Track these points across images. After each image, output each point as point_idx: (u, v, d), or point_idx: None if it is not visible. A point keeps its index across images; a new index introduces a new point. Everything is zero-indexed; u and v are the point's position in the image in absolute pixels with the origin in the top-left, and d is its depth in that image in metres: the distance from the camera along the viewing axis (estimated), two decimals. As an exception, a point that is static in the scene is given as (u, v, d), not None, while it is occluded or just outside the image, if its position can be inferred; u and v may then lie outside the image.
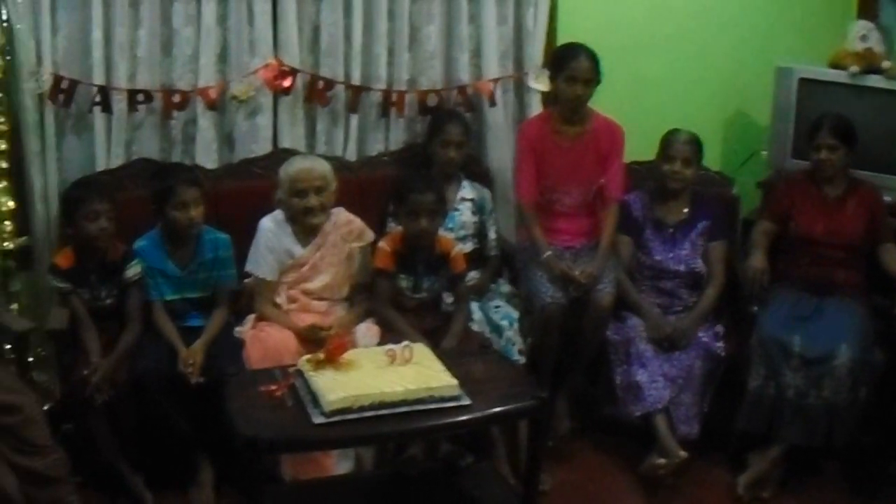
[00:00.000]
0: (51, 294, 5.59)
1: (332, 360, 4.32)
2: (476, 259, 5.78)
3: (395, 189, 5.39)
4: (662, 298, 5.67)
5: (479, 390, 4.24)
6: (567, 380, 5.65)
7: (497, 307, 5.59)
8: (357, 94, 6.05)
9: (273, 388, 4.28)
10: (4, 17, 5.52)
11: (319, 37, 6.03)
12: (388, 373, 4.24)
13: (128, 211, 5.31)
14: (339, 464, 4.97)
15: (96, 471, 5.05)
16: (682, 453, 5.13)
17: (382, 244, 5.32)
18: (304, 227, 5.27)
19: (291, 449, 4.53)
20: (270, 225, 5.29)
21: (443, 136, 5.79)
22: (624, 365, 5.42)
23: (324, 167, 5.31)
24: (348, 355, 4.38)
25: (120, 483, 5.07)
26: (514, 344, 5.40)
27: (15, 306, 5.62)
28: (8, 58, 5.57)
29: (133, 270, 5.20)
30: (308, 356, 4.44)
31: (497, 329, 5.45)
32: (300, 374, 4.34)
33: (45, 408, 4.88)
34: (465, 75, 6.26)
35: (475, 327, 5.41)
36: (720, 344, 5.47)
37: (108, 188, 5.33)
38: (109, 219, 5.14)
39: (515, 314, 5.53)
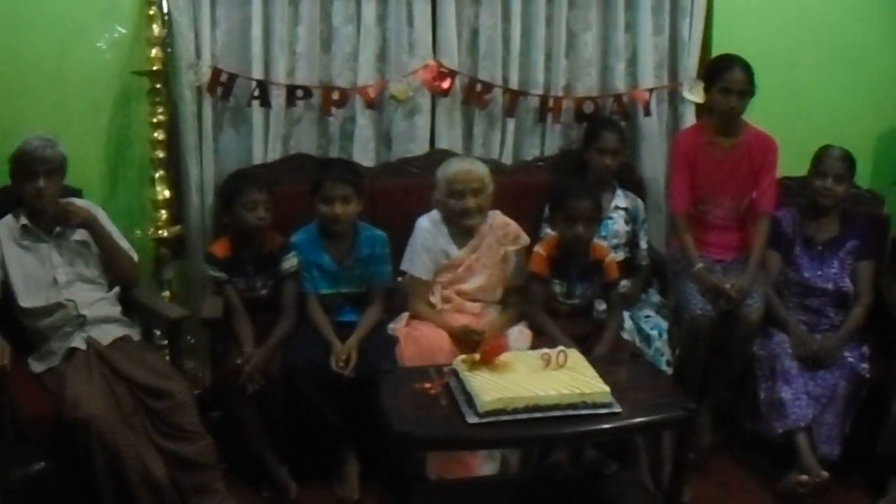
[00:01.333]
0: (202, 283, 5.76)
1: (487, 362, 4.36)
2: (626, 268, 5.77)
3: (553, 194, 5.40)
4: (809, 316, 5.60)
5: (629, 398, 4.24)
6: (712, 393, 5.60)
7: (647, 317, 5.60)
8: (514, 98, 6.10)
9: (427, 386, 4.34)
10: (165, 10, 5.66)
11: (478, 40, 6.10)
12: (542, 377, 4.26)
13: (284, 205, 5.39)
14: (484, 465, 5.00)
15: (242, 459, 5.16)
16: (824, 473, 5.07)
17: (538, 249, 5.33)
18: (461, 228, 5.31)
19: (444, 447, 4.57)
20: (427, 225, 5.35)
21: (599, 144, 5.80)
22: (769, 381, 5.37)
23: (482, 169, 5.34)
24: (503, 357, 4.41)
25: (265, 472, 5.17)
26: (662, 354, 5.41)
27: (167, 293, 5.77)
28: (168, 50, 5.71)
29: (289, 263, 5.28)
30: (464, 356, 4.49)
31: (646, 339, 5.46)
32: (455, 373, 4.39)
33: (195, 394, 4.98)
34: (620, 84, 6.29)
35: (625, 336, 5.40)
36: (865, 365, 5.38)
37: (267, 180, 5.42)
38: (267, 209, 5.23)
39: (665, 325, 5.54)
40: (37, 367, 4.94)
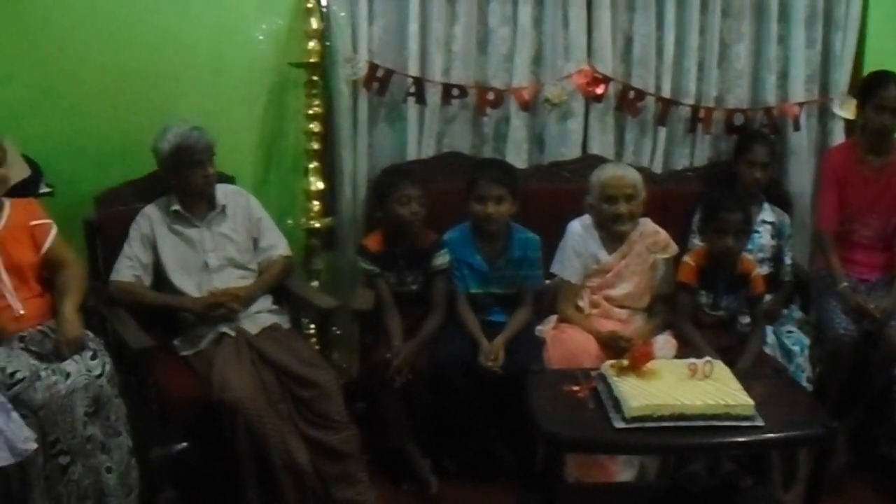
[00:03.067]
0: (350, 275, 5.95)
1: (635, 368, 4.45)
2: (770, 283, 5.76)
3: (705, 205, 5.44)
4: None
5: (770, 413, 4.26)
6: (850, 413, 5.60)
7: (790, 332, 5.61)
8: (666, 107, 6.20)
9: (576, 388, 4.44)
10: (324, 4, 5.83)
11: (632, 47, 6.19)
12: (688, 386, 4.34)
13: (437, 202, 5.51)
14: (622, 471, 5.05)
15: (383, 451, 5.28)
16: None
17: (687, 259, 5.39)
18: (612, 233, 5.38)
19: (590, 449, 4.65)
20: (579, 229, 5.42)
21: (750, 156, 5.85)
22: (908, 406, 5.32)
23: (635, 176, 5.39)
24: (651, 365, 4.49)
25: (406, 465, 5.30)
26: (803, 371, 5.42)
27: (315, 283, 5.95)
28: (326, 43, 5.89)
29: (441, 259, 5.41)
30: (612, 361, 4.57)
31: (788, 354, 5.48)
32: (603, 378, 4.48)
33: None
34: (770, 96, 6.33)
35: (767, 350, 5.42)
36: None
37: (421, 176, 5.55)
38: (421, 205, 5.36)
39: (806, 341, 5.54)
40: (183, 349, 5.12)
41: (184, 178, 5.23)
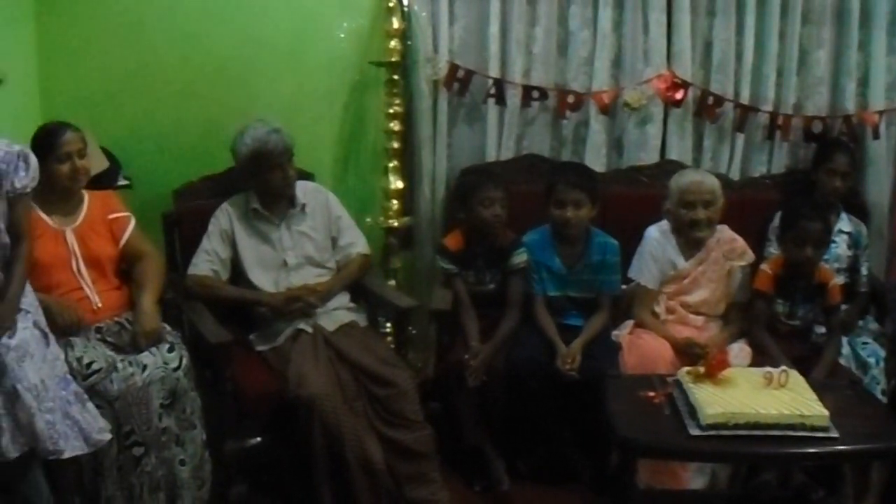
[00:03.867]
0: (427, 275, 6.04)
1: (711, 376, 4.49)
2: (846, 294, 5.75)
3: (784, 214, 5.45)
4: None
5: (844, 424, 4.28)
6: None
7: (865, 344, 5.59)
8: (745, 113, 6.19)
9: (651, 394, 4.51)
10: (405, 3, 5.90)
11: (711, 52, 6.19)
12: (763, 394, 4.37)
13: (515, 204, 5.53)
14: (694, 478, 5.06)
15: (456, 451, 5.32)
16: None
17: (764, 267, 5.40)
18: (689, 239, 5.40)
19: (666, 456, 4.67)
20: (657, 234, 5.45)
21: (830, 165, 5.84)
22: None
23: (713, 182, 5.40)
24: (727, 373, 4.53)
25: (478, 465, 5.35)
26: (878, 383, 5.40)
27: (392, 282, 6.02)
28: (408, 42, 5.96)
29: (519, 258, 5.45)
30: (688, 368, 4.62)
31: (863, 366, 5.46)
32: (679, 384, 4.54)
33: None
34: (850, 104, 6.30)
35: (842, 361, 5.41)
36: None
37: (503, 178, 5.59)
38: (503, 206, 5.40)
39: (882, 353, 5.51)
40: (259, 344, 5.21)
41: (263, 181, 5.33)
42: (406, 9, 5.94)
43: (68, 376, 4.37)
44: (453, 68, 5.99)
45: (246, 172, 5.36)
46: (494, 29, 5.99)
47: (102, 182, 5.45)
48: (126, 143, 5.92)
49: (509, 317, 5.44)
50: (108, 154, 5.75)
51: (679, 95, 6.11)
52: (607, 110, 6.13)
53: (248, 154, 5.30)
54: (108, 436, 4.38)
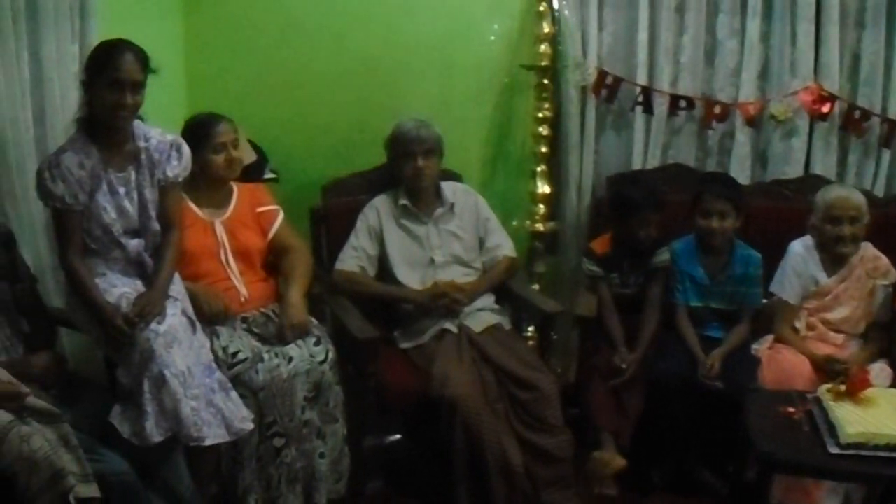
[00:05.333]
0: (572, 280, 5.98)
1: (852, 394, 4.40)
2: None
3: None
4: None
5: None
6: None
7: None
8: (892, 128, 6.00)
9: (791, 410, 4.43)
10: (556, 8, 5.84)
11: (859, 65, 6.02)
12: None
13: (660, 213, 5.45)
14: (827, 497, 4.91)
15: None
16: None
17: None
18: (833, 255, 5.26)
19: (804, 472, 4.55)
20: (800, 249, 5.31)
21: None
22: None
23: (859, 198, 5.26)
24: (868, 392, 4.43)
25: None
26: None
27: (536, 287, 5.97)
28: (558, 47, 5.90)
29: (662, 257, 5.38)
30: (829, 386, 4.53)
31: None
32: (818, 401, 4.45)
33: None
34: None
35: None
36: None
37: (662, 197, 5.45)
38: (657, 227, 5.33)
39: None
40: (403, 342, 5.19)
41: (398, 168, 5.36)
42: (556, 13, 5.88)
43: (213, 364, 4.41)
44: (602, 75, 5.92)
45: (388, 159, 5.44)
46: (643, 37, 5.91)
47: (250, 175, 5.49)
48: (273, 137, 5.96)
49: (649, 320, 5.37)
50: (255, 147, 5.79)
51: (825, 109, 5.96)
52: (753, 122, 6.00)
53: (389, 139, 5.38)
54: (251, 425, 4.41)
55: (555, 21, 5.89)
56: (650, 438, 5.20)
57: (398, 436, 5.09)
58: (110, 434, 4.12)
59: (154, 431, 4.11)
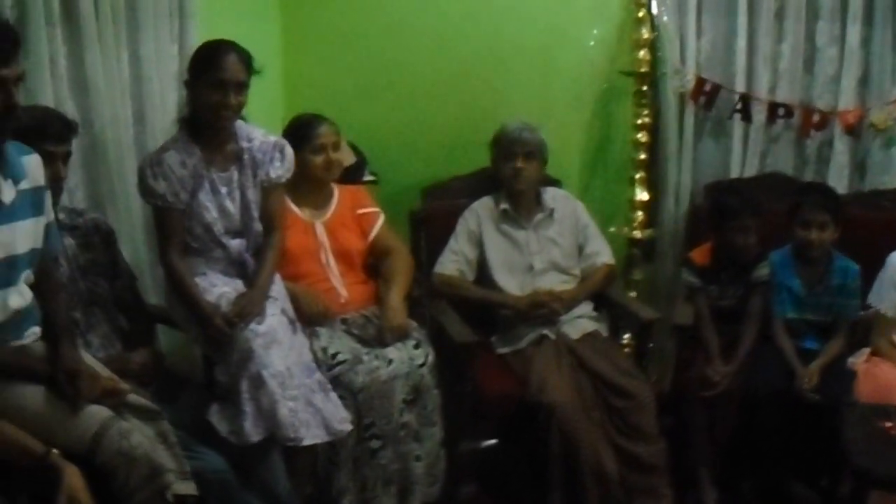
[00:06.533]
0: (669, 288, 5.88)
1: None
2: None
3: None
4: None
5: None
6: None
7: None
8: None
9: (889, 425, 4.27)
10: (655, 13, 5.74)
11: None
12: None
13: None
14: None
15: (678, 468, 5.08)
16: None
17: None
18: None
19: None
20: None
21: None
22: None
23: None
24: None
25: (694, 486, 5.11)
26: None
27: (633, 294, 5.87)
28: (657, 53, 5.81)
29: (762, 271, 5.21)
30: None
31: None
32: None
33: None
34: None
35: None
36: None
37: (761, 203, 5.31)
38: (755, 234, 5.18)
39: None
40: (501, 347, 5.11)
41: (499, 169, 5.29)
42: (655, 19, 5.78)
43: (313, 365, 4.39)
44: (700, 82, 5.80)
45: (491, 161, 5.37)
46: (742, 43, 5.78)
47: (350, 176, 5.45)
48: (372, 139, 5.90)
49: (749, 333, 5.19)
50: (355, 149, 5.75)
51: (927, 117, 5.74)
52: (852, 130, 5.84)
53: (493, 139, 5.32)
54: (349, 426, 4.38)
55: (654, 27, 5.79)
56: (742, 450, 5.07)
57: (494, 440, 4.99)
58: (208, 432, 4.12)
59: (252, 431, 4.11)
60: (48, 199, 3.65)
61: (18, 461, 3.25)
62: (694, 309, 5.27)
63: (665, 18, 5.77)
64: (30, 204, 3.52)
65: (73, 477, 3.20)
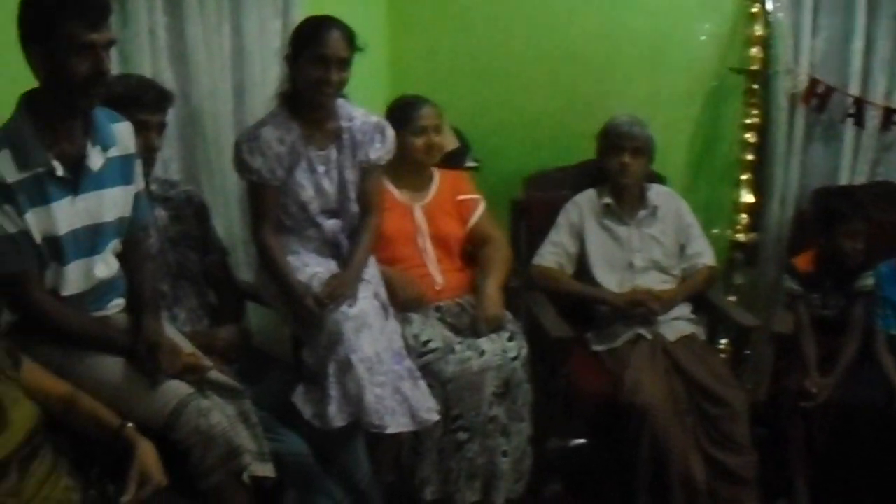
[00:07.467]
0: (770, 295, 5.65)
1: None
2: None
3: None
4: None
5: None
6: None
7: None
8: None
9: None
10: (769, 9, 5.51)
11: None
12: None
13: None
14: None
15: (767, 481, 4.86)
16: None
17: None
18: None
19: None
20: None
21: None
22: None
23: None
24: None
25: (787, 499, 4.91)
26: None
27: (733, 298, 5.63)
28: (771, 51, 5.57)
29: (866, 282, 4.99)
30: None
31: None
32: None
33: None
34: None
35: None
36: None
37: (869, 209, 5.09)
38: (864, 240, 4.97)
39: None
40: (596, 344, 4.94)
41: (605, 162, 5.12)
42: (769, 16, 5.55)
43: (403, 351, 4.27)
44: (813, 83, 5.55)
45: (597, 153, 5.21)
46: (858, 45, 5.52)
47: (452, 161, 5.32)
48: (476, 124, 5.77)
49: (849, 345, 4.96)
50: (458, 133, 5.62)
51: None
52: (963, 137, 5.56)
53: (601, 131, 5.15)
54: (436, 416, 4.24)
55: (767, 24, 5.56)
56: (837, 467, 4.84)
57: (582, 440, 4.87)
58: (291, 414, 4.02)
59: (336, 416, 3.99)
60: (138, 167, 3.59)
61: (93, 433, 3.18)
62: (794, 317, 5.07)
63: (780, 15, 5.52)
64: (119, 172, 3.45)
65: (147, 452, 3.12)
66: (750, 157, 5.65)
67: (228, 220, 4.78)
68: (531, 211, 5.39)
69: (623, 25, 5.76)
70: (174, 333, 3.68)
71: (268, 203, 4.27)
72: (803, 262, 5.16)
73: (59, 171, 3.25)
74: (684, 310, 5.09)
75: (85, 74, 3.15)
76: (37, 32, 3.14)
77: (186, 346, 3.60)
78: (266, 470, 3.52)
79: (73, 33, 3.10)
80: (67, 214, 3.31)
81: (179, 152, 4.63)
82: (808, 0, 5.48)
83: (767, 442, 4.89)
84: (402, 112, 4.79)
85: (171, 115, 4.19)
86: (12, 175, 3.17)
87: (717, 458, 4.56)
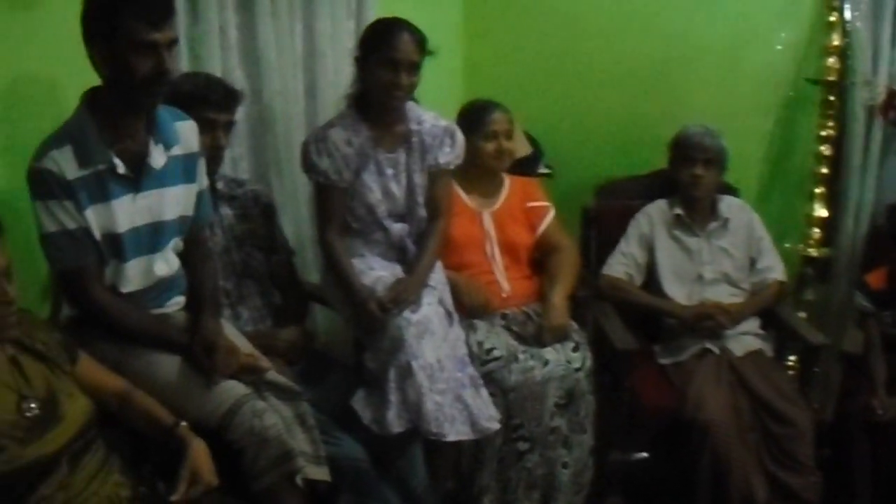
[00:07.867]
0: (839, 312, 5.52)
1: None
2: None
3: None
4: None
5: None
6: None
7: None
8: None
9: None
10: (847, 18, 5.38)
11: None
12: None
13: None
14: None
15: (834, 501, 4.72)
16: None
17: None
18: None
19: None
20: None
21: None
22: None
23: None
24: None
25: None
26: None
27: (803, 315, 5.51)
28: (848, 62, 5.44)
29: None
30: None
31: None
32: None
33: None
34: None
35: None
36: None
37: None
38: None
39: None
40: (662, 357, 4.87)
41: (676, 173, 5.03)
42: (847, 25, 5.42)
43: (466, 359, 4.22)
44: (891, 95, 5.42)
45: (669, 164, 5.12)
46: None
47: (524, 168, 5.29)
48: (550, 131, 5.73)
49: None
50: (532, 140, 5.59)
51: None
52: None
53: (672, 141, 5.06)
54: (497, 425, 4.18)
55: (845, 33, 5.43)
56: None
57: (644, 453, 4.73)
58: (350, 418, 3.99)
59: (395, 421, 3.95)
60: (202, 166, 3.58)
61: (147, 430, 3.19)
62: (864, 335, 4.92)
63: (858, 25, 5.38)
64: (181, 170, 3.44)
65: (200, 452, 3.11)
66: (824, 169, 5.53)
67: (297, 220, 4.78)
68: (601, 220, 5.33)
69: (699, 33, 5.68)
70: (234, 333, 3.66)
71: (334, 204, 4.23)
72: (876, 279, 5.01)
73: (121, 169, 3.24)
74: (753, 325, 4.99)
75: (146, 73, 3.15)
76: (99, 31, 3.13)
77: (245, 347, 3.57)
78: (321, 473, 3.49)
79: (134, 32, 3.09)
80: (128, 212, 3.30)
81: (249, 151, 4.64)
82: (887, 10, 5.36)
83: (832, 463, 4.76)
84: (473, 116, 4.73)
85: (241, 114, 4.20)
86: (73, 172, 3.17)
87: (779, 477, 4.47)
